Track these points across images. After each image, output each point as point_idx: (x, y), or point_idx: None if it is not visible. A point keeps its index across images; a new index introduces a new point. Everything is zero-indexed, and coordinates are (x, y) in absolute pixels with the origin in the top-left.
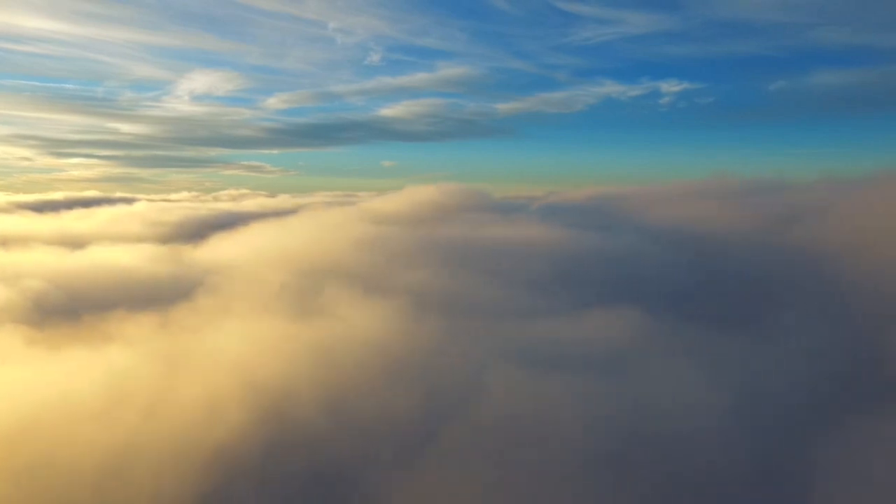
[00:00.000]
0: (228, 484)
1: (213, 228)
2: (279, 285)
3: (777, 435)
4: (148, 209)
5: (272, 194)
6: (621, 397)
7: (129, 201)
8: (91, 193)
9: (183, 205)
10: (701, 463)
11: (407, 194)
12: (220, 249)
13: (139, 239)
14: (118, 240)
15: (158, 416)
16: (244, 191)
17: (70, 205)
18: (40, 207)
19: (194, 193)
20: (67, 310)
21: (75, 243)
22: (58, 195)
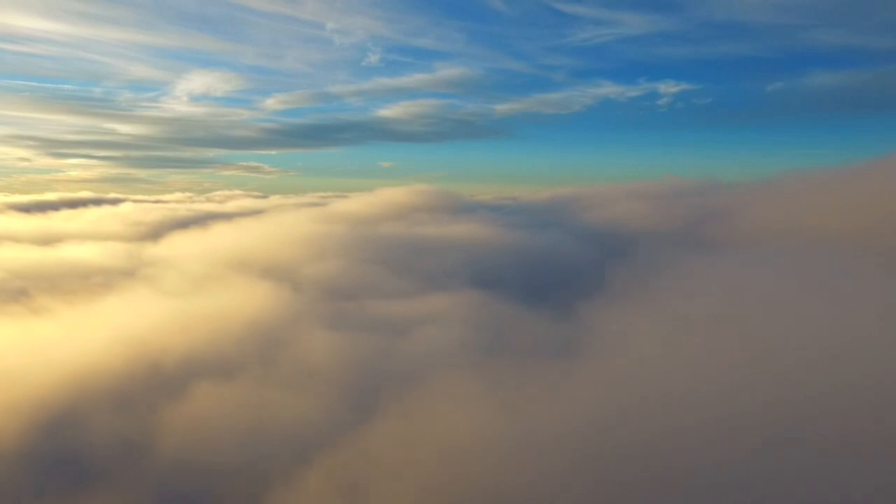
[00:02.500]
0: (96, 395)
1: (186, 228)
2: (197, 274)
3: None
4: (132, 210)
5: (265, 195)
6: (389, 349)
7: (119, 202)
8: (84, 194)
9: (168, 206)
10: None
11: (378, 195)
12: (173, 246)
13: (116, 238)
14: (94, 238)
15: (53, 357)
16: (237, 192)
17: (63, 205)
18: (30, 208)
19: (188, 194)
20: (17, 294)
21: (50, 241)
22: (52, 196)
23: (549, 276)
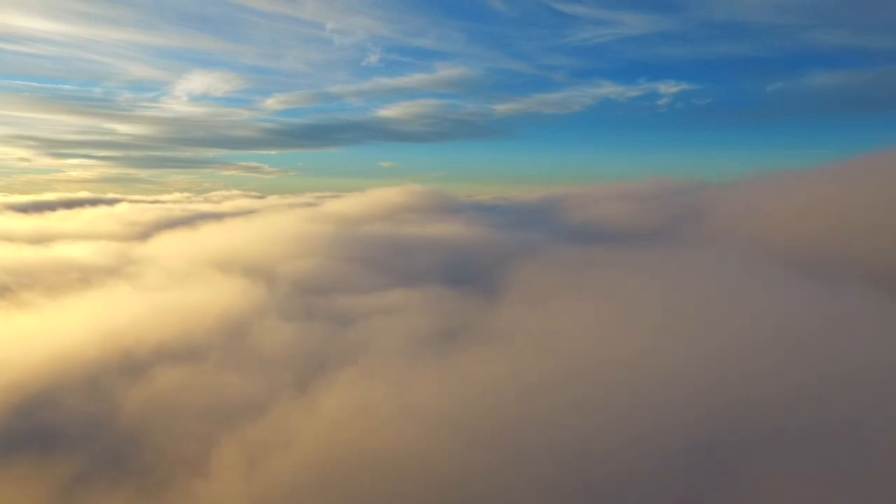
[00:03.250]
0: (68, 378)
1: (178, 228)
2: (178, 271)
3: None
4: (128, 210)
5: (262, 195)
6: (338, 337)
7: (117, 202)
8: (82, 194)
9: (163, 206)
10: None
11: (370, 196)
12: (160, 245)
13: (109, 237)
14: (89, 238)
15: (31, 345)
16: (235, 192)
17: (61, 205)
18: (28, 208)
19: (186, 194)
20: (2, 289)
21: (44, 240)
22: (51, 196)
23: (512, 272)
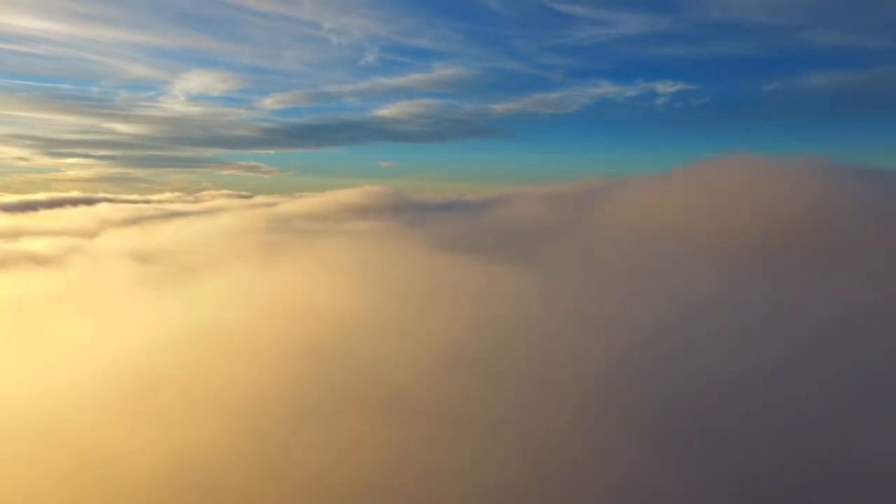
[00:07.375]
0: None
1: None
2: (98, 259)
3: None
4: (106, 209)
5: (252, 195)
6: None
7: (100, 202)
8: (74, 194)
9: (138, 206)
10: None
11: (328, 196)
12: (104, 240)
13: (73, 233)
14: (57, 234)
15: None
16: (224, 191)
17: (50, 205)
18: (15, 207)
19: (177, 194)
20: None
21: (13, 236)
22: (41, 196)
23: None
